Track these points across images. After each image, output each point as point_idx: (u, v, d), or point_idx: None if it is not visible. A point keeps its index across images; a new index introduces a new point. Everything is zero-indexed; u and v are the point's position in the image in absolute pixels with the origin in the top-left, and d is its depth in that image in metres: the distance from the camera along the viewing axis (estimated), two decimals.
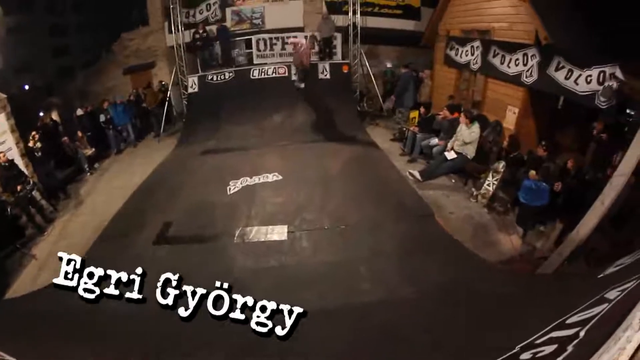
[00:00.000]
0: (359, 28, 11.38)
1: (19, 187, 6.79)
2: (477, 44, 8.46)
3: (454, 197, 6.49)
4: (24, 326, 3.74)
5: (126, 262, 5.04)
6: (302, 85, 10.19)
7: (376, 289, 4.08)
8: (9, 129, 7.68)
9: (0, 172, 6.72)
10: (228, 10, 12.32)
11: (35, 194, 7.19)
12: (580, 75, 6.05)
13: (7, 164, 6.77)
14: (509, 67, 7.53)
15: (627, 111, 5.99)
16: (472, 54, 8.59)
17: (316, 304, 3.76)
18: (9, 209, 6.67)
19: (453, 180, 6.98)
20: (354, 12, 11.38)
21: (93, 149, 9.67)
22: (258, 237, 5.38)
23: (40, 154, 7.99)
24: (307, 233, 5.32)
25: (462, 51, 8.97)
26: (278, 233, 5.40)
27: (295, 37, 9.61)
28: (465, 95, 9.37)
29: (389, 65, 10.59)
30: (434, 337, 3.01)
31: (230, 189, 6.83)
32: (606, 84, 5.58)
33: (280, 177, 7.06)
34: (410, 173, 6.90)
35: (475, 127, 6.72)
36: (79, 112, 11.13)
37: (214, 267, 4.81)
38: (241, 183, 6.97)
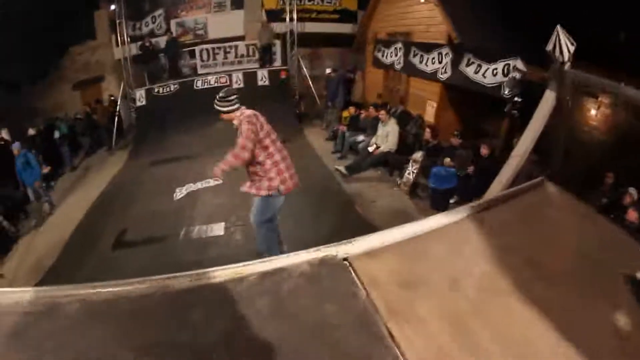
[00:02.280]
0: (296, 34, 11.97)
1: None
2: (399, 45, 9.13)
3: (378, 188, 7.10)
4: None
5: (91, 267, 5.81)
6: None
7: None
8: None
9: None
10: (173, 22, 12.67)
11: None
12: (487, 69, 6.66)
13: None
14: (427, 66, 8.17)
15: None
16: (396, 55, 9.25)
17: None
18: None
19: (379, 172, 7.58)
20: (292, 19, 11.94)
21: (49, 167, 9.89)
22: (200, 234, 6.07)
23: None
24: (241, 227, 5.99)
25: (387, 52, 9.62)
26: (216, 230, 6.10)
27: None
28: (392, 93, 10.21)
29: (328, 70, 11.16)
30: None
31: (176, 195, 7.45)
32: (510, 75, 6.16)
33: (220, 181, 7.60)
34: (337, 169, 7.46)
35: (392, 122, 7.41)
36: (31, 131, 11.18)
37: (165, 262, 5.41)
38: (186, 189, 7.58)
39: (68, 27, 15.51)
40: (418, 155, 6.93)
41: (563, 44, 3.48)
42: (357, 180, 7.31)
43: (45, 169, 9.62)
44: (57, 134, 10.56)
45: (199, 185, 7.67)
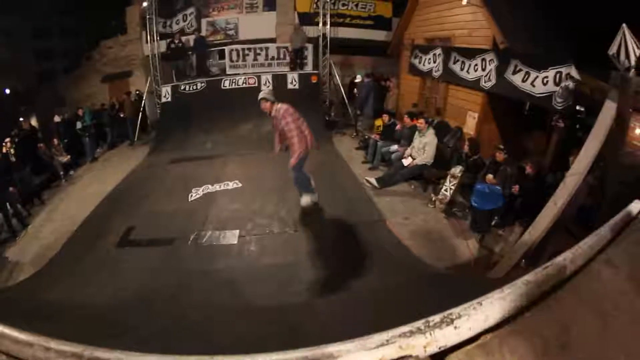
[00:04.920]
0: (328, 39, 11.60)
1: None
2: (438, 51, 8.63)
3: (411, 203, 6.53)
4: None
5: (91, 262, 5.57)
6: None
7: (310, 290, 4.26)
8: None
9: None
10: (204, 21, 12.61)
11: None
12: (536, 77, 6.08)
13: None
14: (469, 73, 7.65)
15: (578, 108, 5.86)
16: (434, 62, 8.77)
17: (249, 303, 4.10)
18: None
19: (413, 187, 7.05)
20: (324, 24, 11.60)
21: (69, 156, 9.88)
22: (210, 241, 5.61)
23: (15, 159, 8.22)
24: (257, 237, 5.54)
25: (425, 59, 9.15)
26: (229, 237, 5.63)
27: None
28: (429, 103, 9.67)
29: (359, 77, 10.75)
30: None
31: (191, 195, 7.07)
32: (562, 84, 5.58)
33: (239, 185, 7.29)
34: (367, 180, 6.99)
35: (431, 133, 6.86)
36: (57, 118, 11.33)
37: (168, 268, 5.10)
38: (202, 190, 7.20)
39: (100, 21, 15.87)
40: (456, 170, 6.36)
41: (629, 46, 3.05)
42: (388, 194, 6.79)
43: (65, 158, 9.60)
44: (79, 125, 10.48)
45: (217, 187, 7.30)
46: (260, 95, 5.46)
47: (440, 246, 5.31)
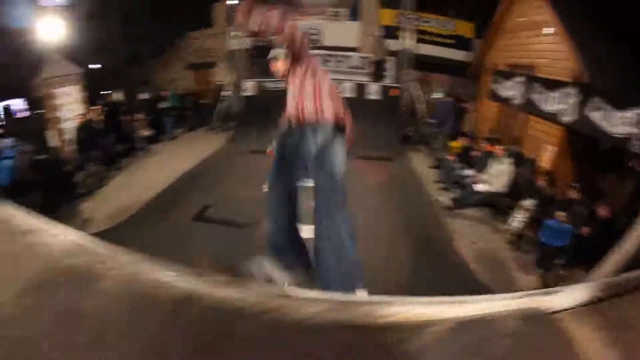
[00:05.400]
0: (411, 54, 11.65)
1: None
2: (520, 79, 8.33)
3: (479, 229, 6.48)
4: None
5: (165, 229, 6.10)
6: None
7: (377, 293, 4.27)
8: (80, 100, 8.83)
9: (78, 132, 8.06)
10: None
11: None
12: (616, 115, 5.72)
13: (81, 126, 8.14)
14: (549, 105, 7.28)
15: None
16: (516, 89, 8.48)
17: None
18: (66, 166, 7.92)
19: (483, 213, 6.96)
20: (408, 38, 11.68)
21: (150, 131, 10.60)
22: None
23: (102, 126, 8.96)
24: None
25: (506, 85, 8.88)
26: (305, 231, 5.70)
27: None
28: (506, 130, 9.45)
29: (439, 94, 10.75)
30: None
31: (264, 187, 7.25)
32: None
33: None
34: (439, 200, 7.06)
35: (507, 161, 6.79)
36: (142, 96, 12.16)
37: (238, 249, 5.10)
38: None
39: (189, 13, 16.82)
40: (529, 203, 6.21)
41: None
42: (458, 216, 6.76)
43: (147, 132, 10.30)
44: (163, 104, 11.14)
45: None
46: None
47: (502, 276, 5.25)
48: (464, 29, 12.50)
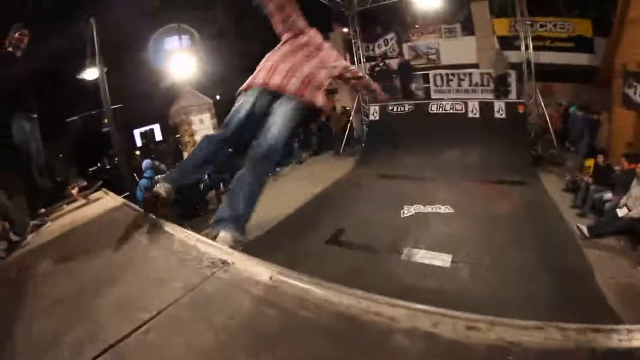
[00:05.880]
0: (532, 64, 11.20)
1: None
2: None
3: (619, 261, 5.88)
4: None
5: (300, 252, 6.20)
6: None
7: None
8: (211, 126, 10.31)
9: None
10: (405, 46, 13.58)
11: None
12: None
13: None
14: None
15: None
16: None
17: None
18: (201, 186, 8.91)
19: (621, 242, 6.32)
20: (526, 48, 11.22)
21: None
22: (423, 259, 5.88)
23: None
24: (469, 266, 5.62)
25: None
26: (442, 260, 5.80)
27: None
28: None
29: (573, 107, 10.14)
30: None
31: (403, 212, 7.70)
32: None
33: (451, 211, 7.67)
34: (578, 227, 6.62)
35: None
36: None
37: (378, 275, 5.45)
38: (414, 209, 7.75)
39: None
40: None
41: None
42: (597, 246, 6.26)
43: None
44: None
45: (429, 209, 7.79)
46: None
47: None
48: (583, 28, 11.43)
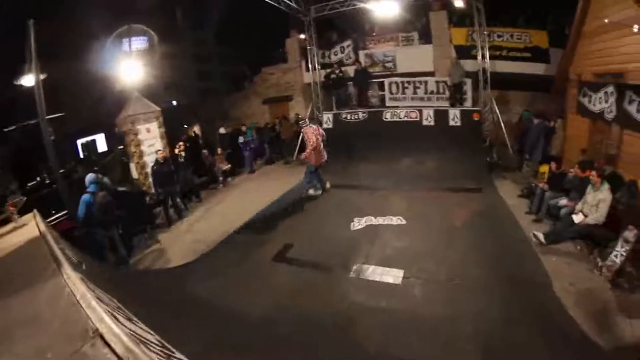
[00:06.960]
0: (488, 73, 11.24)
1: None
2: (610, 89, 7.38)
3: (576, 267, 5.74)
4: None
5: (245, 269, 6.04)
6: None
7: (476, 352, 3.98)
8: (159, 135, 9.71)
9: (157, 167, 8.44)
10: (361, 53, 13.36)
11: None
12: None
13: (162, 161, 8.51)
14: None
15: None
16: (606, 101, 7.54)
17: (414, 353, 4.02)
18: (148, 198, 8.57)
19: (578, 247, 6.24)
20: (483, 57, 11.28)
21: (229, 165, 11.23)
22: (373, 276, 5.55)
23: (183, 160, 9.57)
24: (422, 282, 5.33)
25: (595, 98, 7.96)
26: (393, 276, 5.48)
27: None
28: (599, 149, 8.55)
29: (525, 114, 10.13)
30: None
31: (354, 224, 7.25)
32: None
33: (404, 222, 7.23)
34: (534, 234, 6.47)
35: (605, 188, 6.11)
36: (222, 130, 12.95)
37: (325, 294, 5.19)
38: (365, 221, 7.33)
39: (262, 50, 17.93)
40: (631, 234, 5.39)
41: None
42: (554, 253, 6.12)
43: (226, 166, 10.94)
44: (241, 139, 11.86)
45: (380, 220, 7.36)
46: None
47: (602, 320, 4.56)
48: (540, 39, 11.68)
